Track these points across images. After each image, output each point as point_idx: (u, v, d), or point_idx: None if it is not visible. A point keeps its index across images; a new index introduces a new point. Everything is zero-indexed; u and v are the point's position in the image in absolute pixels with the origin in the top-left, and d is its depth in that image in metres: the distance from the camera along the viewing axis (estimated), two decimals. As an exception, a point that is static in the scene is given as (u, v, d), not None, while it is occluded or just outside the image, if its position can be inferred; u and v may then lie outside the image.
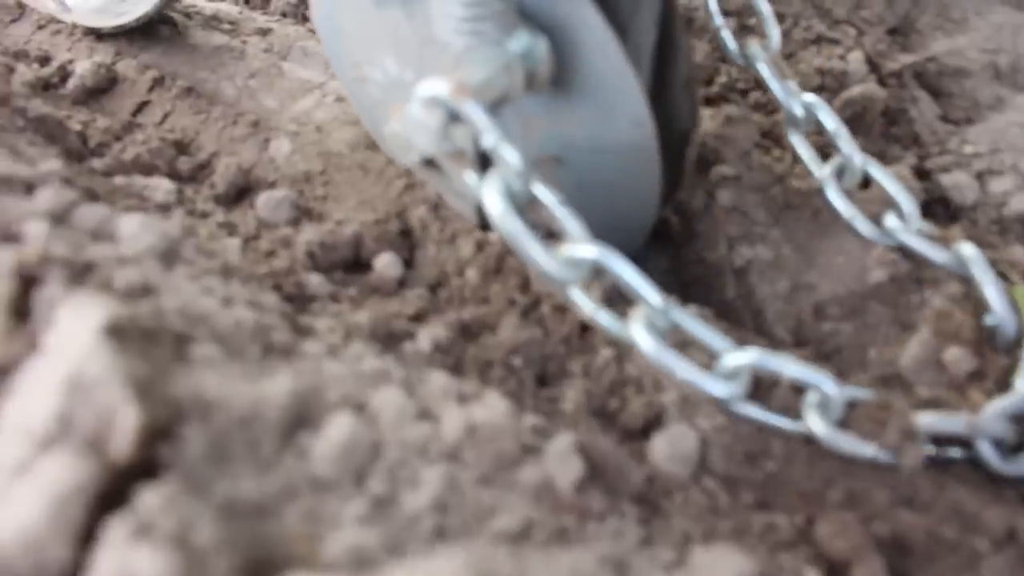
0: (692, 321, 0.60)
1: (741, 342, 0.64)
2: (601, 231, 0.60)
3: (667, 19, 0.64)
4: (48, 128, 0.83)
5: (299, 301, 0.71)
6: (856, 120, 0.87)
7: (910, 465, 0.59)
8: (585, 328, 0.73)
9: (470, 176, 0.60)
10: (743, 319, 0.82)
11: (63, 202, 0.59)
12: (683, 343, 0.64)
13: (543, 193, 0.59)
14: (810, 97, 0.78)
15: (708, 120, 0.86)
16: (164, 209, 0.80)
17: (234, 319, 0.55)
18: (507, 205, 0.57)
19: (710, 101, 0.91)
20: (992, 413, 0.62)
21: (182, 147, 0.91)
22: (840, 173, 0.77)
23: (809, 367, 0.59)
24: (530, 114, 0.68)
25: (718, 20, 0.82)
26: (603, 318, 0.61)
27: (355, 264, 0.77)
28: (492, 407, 0.55)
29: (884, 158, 0.89)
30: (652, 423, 0.69)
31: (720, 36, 0.81)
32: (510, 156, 0.58)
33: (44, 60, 1.04)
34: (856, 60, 0.89)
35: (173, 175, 0.89)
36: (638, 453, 0.67)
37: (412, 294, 0.74)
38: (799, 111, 0.79)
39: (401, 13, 0.68)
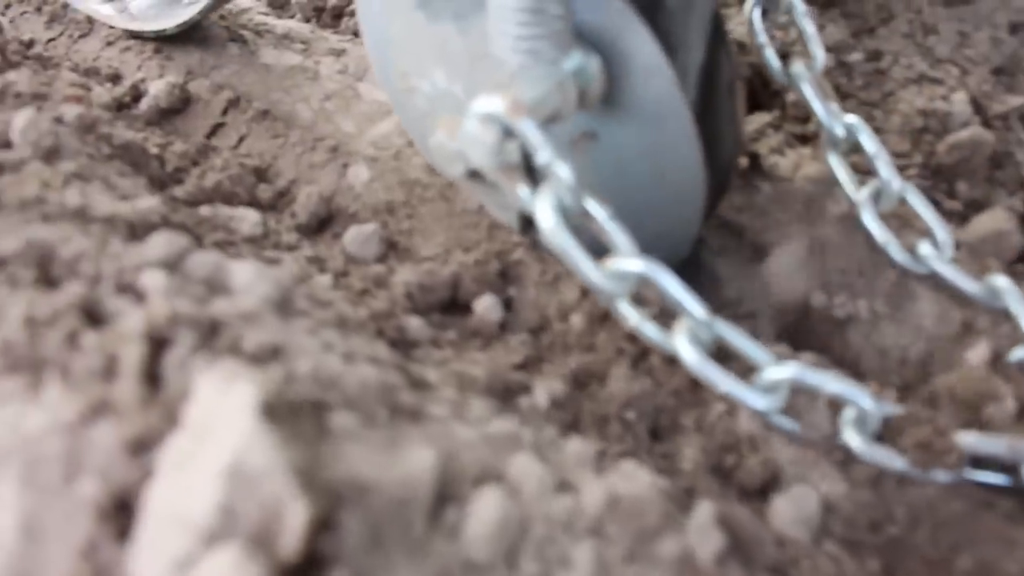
0: (735, 334, 0.61)
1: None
2: (645, 242, 0.62)
3: (716, 40, 0.66)
4: (132, 155, 0.81)
5: (402, 347, 0.68)
6: (962, 164, 0.84)
7: (944, 481, 0.60)
8: (695, 380, 0.71)
9: (522, 190, 0.61)
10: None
11: (175, 249, 0.57)
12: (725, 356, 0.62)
13: (594, 208, 0.60)
14: (851, 118, 0.78)
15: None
16: (252, 242, 0.77)
17: (359, 379, 0.53)
18: (558, 219, 0.58)
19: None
20: None
21: (261, 174, 0.89)
22: (877, 197, 0.77)
23: (847, 382, 0.60)
24: (580, 130, 0.70)
25: (762, 38, 0.80)
26: (648, 329, 0.62)
27: (452, 305, 0.75)
28: (632, 477, 0.52)
29: (988, 203, 0.86)
30: (769, 483, 0.66)
31: (764, 55, 0.80)
32: (563, 172, 0.59)
33: (115, 78, 1.02)
34: (960, 101, 0.85)
35: (254, 203, 0.87)
36: (758, 514, 0.64)
37: (515, 340, 0.71)
38: (840, 132, 0.78)
39: (453, 27, 0.69)
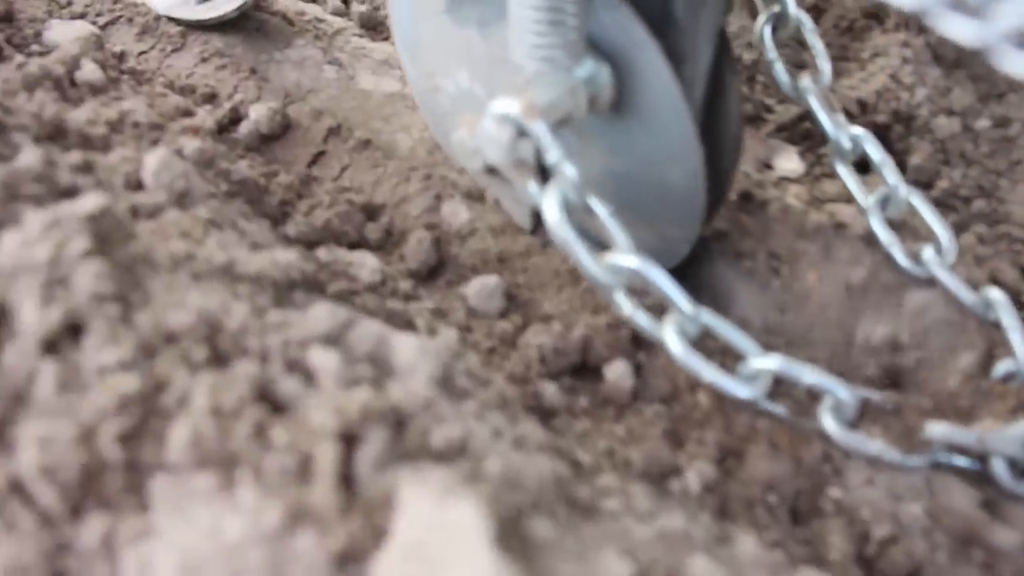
0: (722, 325, 0.65)
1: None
2: (645, 244, 0.66)
3: (721, 55, 0.71)
4: (248, 191, 0.78)
5: (540, 415, 0.66)
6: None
7: (917, 466, 0.65)
8: (828, 455, 0.69)
9: (532, 186, 0.65)
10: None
11: (338, 322, 0.55)
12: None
13: (596, 206, 0.65)
14: (857, 130, 0.81)
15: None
16: (372, 291, 0.75)
17: (537, 473, 0.51)
18: (563, 215, 0.63)
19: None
20: (1010, 434, 0.64)
21: (369, 211, 0.87)
22: (884, 203, 0.80)
23: (824, 374, 0.64)
24: (590, 133, 0.74)
25: (772, 54, 0.84)
26: (640, 319, 0.65)
27: (582, 367, 0.73)
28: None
29: None
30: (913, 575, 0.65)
31: (773, 69, 0.84)
32: (569, 171, 0.63)
33: (211, 97, 0.99)
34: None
35: (363, 243, 0.84)
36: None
37: (649, 411, 0.69)
38: (847, 143, 0.81)
39: (477, 32, 0.74)
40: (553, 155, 0.63)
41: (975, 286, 0.76)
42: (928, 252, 0.77)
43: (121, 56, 1.03)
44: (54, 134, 0.70)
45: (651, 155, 0.72)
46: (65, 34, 1.02)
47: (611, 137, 0.73)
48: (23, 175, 0.61)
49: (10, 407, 0.49)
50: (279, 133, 0.97)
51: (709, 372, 0.63)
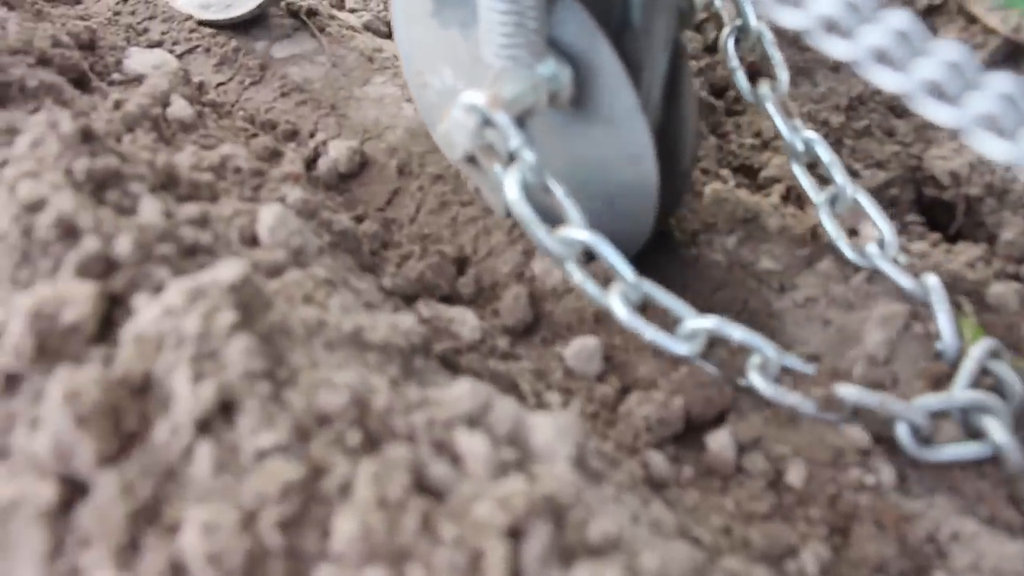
0: (660, 292, 0.72)
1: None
2: (601, 230, 0.71)
3: (677, 61, 0.78)
4: (347, 242, 0.78)
5: (650, 487, 0.66)
6: None
7: (830, 419, 0.71)
8: (931, 536, 0.69)
9: (496, 168, 0.73)
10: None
11: (480, 402, 0.55)
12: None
13: (553, 185, 0.73)
14: (810, 134, 0.89)
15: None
16: (474, 349, 0.75)
17: (679, 563, 0.51)
18: (521, 193, 0.71)
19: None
20: (914, 403, 0.71)
21: (460, 264, 0.87)
22: (833, 200, 0.87)
23: (755, 334, 0.71)
24: (552, 126, 0.81)
25: (734, 62, 0.92)
26: (589, 287, 0.73)
27: (683, 434, 0.73)
28: None
29: None
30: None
31: (735, 76, 0.92)
32: (527, 155, 0.72)
33: (292, 134, 0.99)
34: None
35: (455, 297, 0.84)
36: None
37: (755, 486, 0.69)
38: (800, 146, 0.90)
39: (459, 33, 0.83)
40: (514, 142, 0.71)
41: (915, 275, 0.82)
42: (872, 247, 0.84)
43: (200, 87, 1.02)
44: (167, 183, 0.70)
45: (609, 152, 0.80)
46: (144, 63, 1.02)
47: (573, 133, 0.81)
48: (151, 233, 0.61)
49: (163, 485, 0.48)
50: (356, 172, 0.96)
51: (650, 332, 0.71)
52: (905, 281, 0.82)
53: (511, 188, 0.71)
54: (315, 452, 0.48)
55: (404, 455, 0.49)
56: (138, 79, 1.00)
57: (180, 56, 1.06)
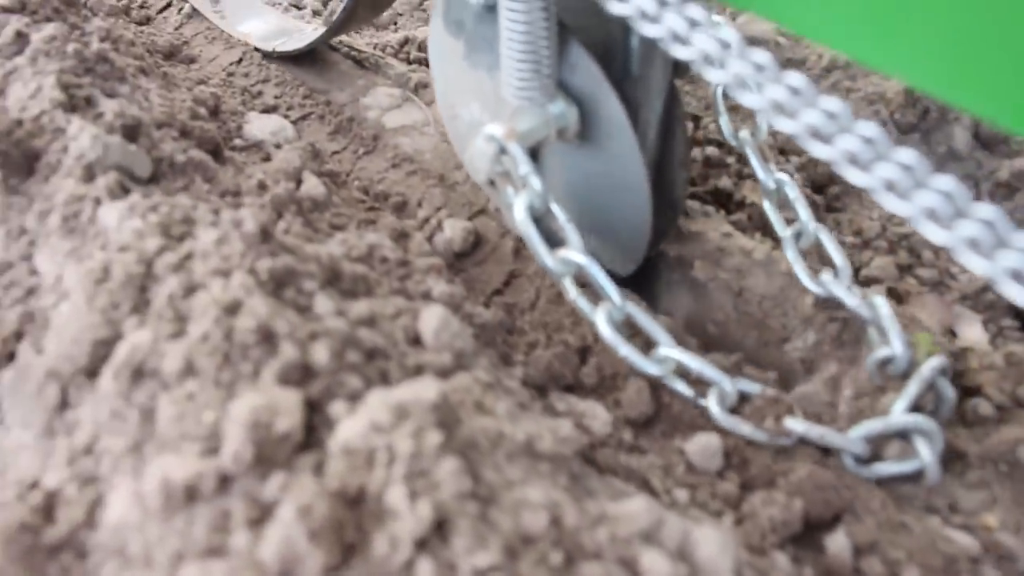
0: (642, 316, 0.83)
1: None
2: (597, 255, 0.82)
3: (671, 106, 0.92)
4: (487, 335, 0.83)
5: (776, 589, 0.71)
6: None
7: (783, 443, 0.81)
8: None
9: (510, 192, 0.85)
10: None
11: (654, 518, 0.59)
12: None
13: (556, 211, 0.84)
14: (782, 176, 1.00)
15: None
16: (605, 445, 0.80)
17: None
18: (527, 215, 0.82)
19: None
20: (851, 434, 0.80)
21: (582, 353, 0.91)
22: (798, 236, 0.97)
23: (714, 368, 0.81)
24: (561, 157, 0.95)
25: (721, 108, 1.05)
26: (581, 303, 0.84)
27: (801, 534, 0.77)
28: None
29: None
30: None
31: (720, 122, 1.05)
32: (535, 182, 0.83)
33: (402, 206, 1.04)
34: None
35: (578, 387, 0.89)
36: None
37: (870, 586, 0.74)
38: (772, 185, 1.01)
39: (486, 75, 0.96)
40: (523, 169, 0.83)
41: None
42: (827, 275, 0.94)
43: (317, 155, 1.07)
44: (331, 278, 0.74)
45: (608, 182, 0.92)
46: (263, 128, 1.06)
47: (578, 164, 0.93)
48: (339, 338, 0.65)
49: (385, 598, 0.53)
50: (469, 251, 1.01)
51: (626, 350, 0.81)
52: (856, 304, 0.90)
53: (519, 211, 0.82)
54: (524, 571, 0.53)
55: (598, 574, 0.54)
56: (257, 145, 1.04)
57: (295, 122, 1.10)
